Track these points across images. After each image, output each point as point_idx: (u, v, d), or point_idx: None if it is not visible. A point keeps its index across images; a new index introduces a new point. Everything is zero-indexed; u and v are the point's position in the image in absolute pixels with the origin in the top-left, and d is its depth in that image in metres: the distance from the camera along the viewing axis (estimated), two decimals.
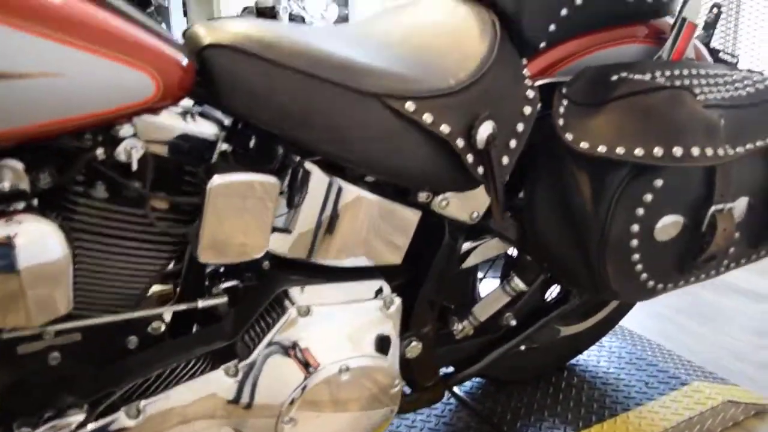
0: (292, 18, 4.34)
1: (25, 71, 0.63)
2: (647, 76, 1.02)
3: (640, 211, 0.92)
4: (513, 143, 0.92)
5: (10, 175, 0.70)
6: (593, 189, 0.94)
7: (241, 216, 0.82)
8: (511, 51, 0.96)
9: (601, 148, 0.91)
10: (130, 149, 0.77)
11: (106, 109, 0.70)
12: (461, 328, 1.11)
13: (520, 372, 1.40)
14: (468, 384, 1.45)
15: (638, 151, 0.90)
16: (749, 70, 1.18)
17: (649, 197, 0.92)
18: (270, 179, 0.83)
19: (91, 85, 0.67)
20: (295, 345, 0.90)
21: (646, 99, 0.93)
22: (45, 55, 0.64)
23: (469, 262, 1.11)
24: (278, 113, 0.81)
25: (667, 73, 1.04)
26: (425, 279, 1.02)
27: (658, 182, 0.92)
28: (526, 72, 0.97)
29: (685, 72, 1.06)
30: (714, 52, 1.30)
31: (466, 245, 1.10)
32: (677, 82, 1.02)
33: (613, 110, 0.94)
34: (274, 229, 0.91)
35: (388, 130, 0.84)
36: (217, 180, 0.80)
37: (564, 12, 0.98)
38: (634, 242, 0.93)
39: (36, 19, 0.63)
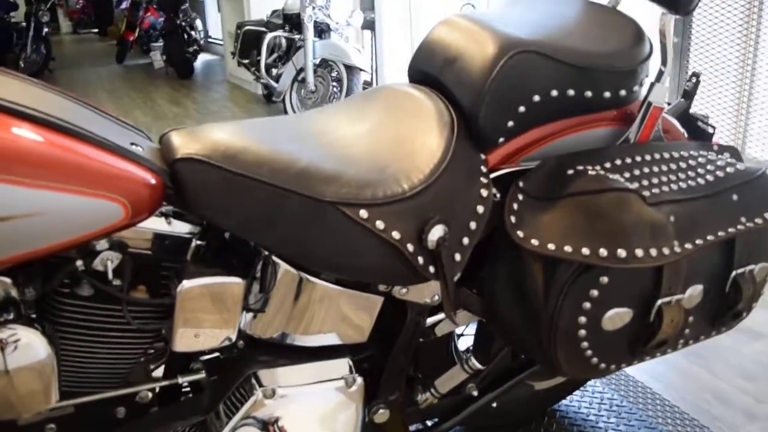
0: (318, 25, 4.42)
1: (6, 215, 0.73)
2: (608, 165, 1.06)
3: (587, 305, 0.98)
4: (466, 240, 0.99)
5: (0, 290, 0.81)
6: (544, 281, 1.00)
7: (210, 313, 0.92)
8: (469, 148, 1.02)
9: (551, 246, 0.97)
10: (106, 260, 0.87)
11: (80, 235, 0.79)
12: (424, 398, 1.18)
13: (501, 418, 1.47)
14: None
15: (585, 251, 0.95)
16: (719, 146, 1.21)
17: (595, 293, 0.97)
18: (235, 281, 0.92)
19: (66, 218, 0.77)
20: (261, 425, 0.99)
21: (595, 200, 0.98)
22: (24, 199, 0.73)
23: (439, 332, 1.19)
24: (241, 221, 0.90)
25: (628, 160, 1.08)
26: (390, 354, 1.10)
27: (604, 279, 0.97)
28: (483, 168, 1.02)
29: (648, 158, 1.10)
30: (692, 120, 1.33)
31: (435, 318, 1.17)
32: (636, 171, 1.07)
33: (564, 208, 0.99)
34: (249, 310, 1.00)
35: (344, 236, 0.92)
36: (186, 285, 0.89)
37: (522, 109, 1.03)
38: (582, 332, 0.99)
39: (14, 170, 0.73)
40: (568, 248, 0.96)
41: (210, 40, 9.30)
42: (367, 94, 1.15)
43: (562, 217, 0.98)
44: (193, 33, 7.66)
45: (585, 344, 1.00)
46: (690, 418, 1.61)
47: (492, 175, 1.06)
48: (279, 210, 0.90)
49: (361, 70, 4.60)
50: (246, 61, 5.25)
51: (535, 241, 0.98)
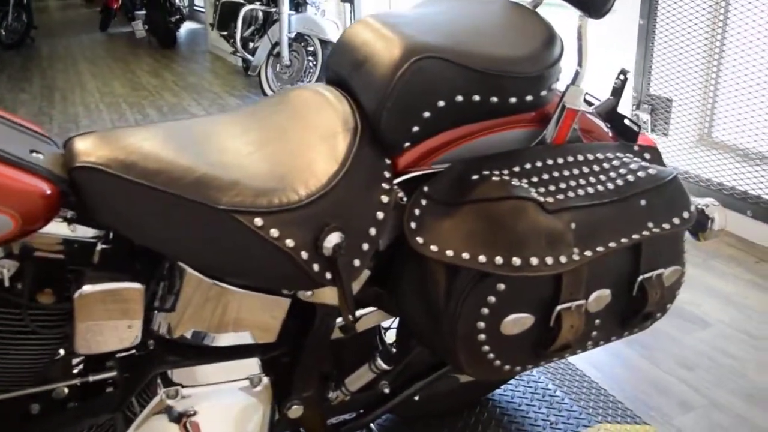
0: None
1: None
2: (516, 169, 1.06)
3: (485, 311, 0.98)
4: (365, 246, 0.99)
5: None
6: (445, 286, 1.01)
7: (110, 317, 0.92)
8: (371, 153, 1.01)
9: (449, 252, 0.97)
10: (2, 269, 0.87)
11: None
12: (335, 396, 1.19)
13: (429, 409, 1.49)
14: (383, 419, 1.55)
15: (482, 258, 0.95)
16: (640, 147, 1.21)
17: (492, 299, 0.98)
18: (135, 286, 0.92)
19: None
20: (164, 425, 1.00)
21: (494, 207, 0.98)
22: None
23: (361, 327, 1.20)
24: (140, 229, 0.90)
25: (538, 164, 1.08)
26: (301, 353, 1.11)
27: (501, 286, 0.98)
28: (386, 173, 1.02)
29: (560, 161, 1.10)
30: (619, 119, 1.32)
31: (358, 313, 1.18)
32: (545, 175, 1.06)
33: (464, 214, 0.99)
34: (158, 310, 1.01)
35: (240, 244, 0.92)
36: (84, 290, 0.89)
37: (427, 114, 1.02)
38: (482, 336, 1.00)
39: None
40: (465, 255, 0.96)
41: (195, 7, 9.16)
42: (279, 96, 1.14)
43: (461, 224, 0.98)
44: (176, 1, 7.54)
45: (486, 348, 1.01)
46: (624, 408, 1.63)
47: (401, 179, 1.06)
48: (176, 218, 0.90)
49: None
50: (224, 33, 5.19)
51: (434, 248, 0.98)
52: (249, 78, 5.56)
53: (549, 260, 0.96)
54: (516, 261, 0.94)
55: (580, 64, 1.12)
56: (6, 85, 5.78)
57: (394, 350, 1.21)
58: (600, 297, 1.06)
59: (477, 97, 1.03)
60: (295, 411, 1.15)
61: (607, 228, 1.03)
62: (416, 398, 1.34)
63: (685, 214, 1.10)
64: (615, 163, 1.12)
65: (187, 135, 1.03)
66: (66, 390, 1.01)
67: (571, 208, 1.01)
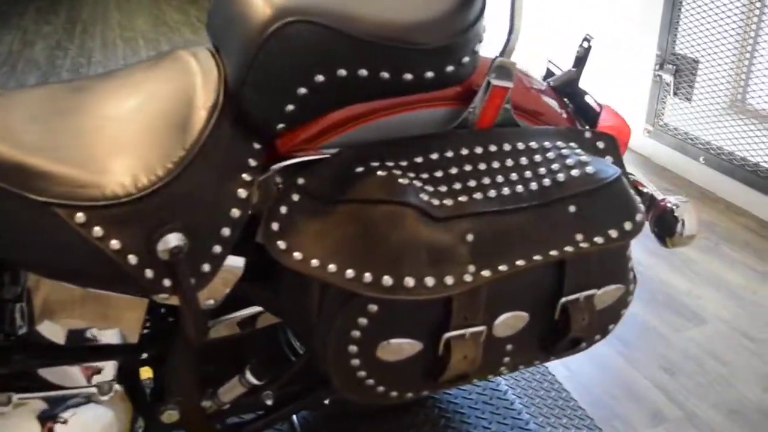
0: None
1: None
2: (419, 160, 0.88)
3: (357, 334, 0.82)
4: (218, 249, 0.82)
5: None
6: (318, 299, 0.85)
7: None
8: (232, 137, 0.83)
9: (314, 263, 0.80)
10: None
11: None
12: (209, 405, 1.06)
13: (349, 409, 1.36)
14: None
15: (349, 273, 0.78)
16: (593, 134, 1.00)
17: (364, 321, 0.81)
18: None
19: None
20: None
21: (368, 211, 0.80)
22: None
23: (261, 324, 1.05)
24: None
25: (449, 154, 0.89)
26: (168, 356, 0.97)
27: (373, 308, 0.81)
28: (251, 162, 0.84)
29: (478, 151, 0.90)
30: (579, 95, 1.11)
31: (252, 310, 1.03)
32: (453, 170, 0.88)
33: (338, 216, 0.81)
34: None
35: (61, 241, 0.77)
36: None
37: (303, 91, 0.83)
38: (356, 361, 0.84)
39: None
40: (332, 268, 0.79)
41: None
42: (155, 59, 0.96)
43: (333, 229, 0.81)
44: None
45: (362, 373, 0.85)
46: (583, 416, 1.46)
47: (279, 165, 0.89)
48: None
49: None
50: None
51: (298, 255, 0.81)
52: None
53: (429, 281, 0.78)
54: (387, 281, 0.77)
55: (511, 30, 0.91)
56: (33, 16, 5.71)
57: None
58: (511, 320, 0.89)
59: (364, 72, 0.83)
60: (170, 416, 1.02)
61: (518, 241, 0.83)
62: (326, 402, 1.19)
63: (627, 225, 0.89)
64: (550, 155, 0.92)
65: (38, 106, 0.87)
66: None
67: (471, 215, 0.82)
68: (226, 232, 0.82)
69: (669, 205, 1.05)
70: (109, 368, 0.95)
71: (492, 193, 0.85)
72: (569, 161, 0.91)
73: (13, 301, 0.89)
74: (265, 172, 0.88)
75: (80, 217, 0.76)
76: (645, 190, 1.08)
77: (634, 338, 1.75)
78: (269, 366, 1.03)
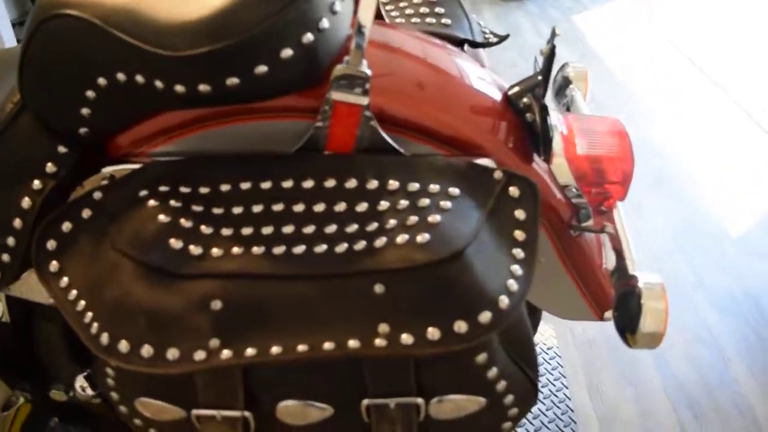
0: None
1: None
2: (225, 188, 0.70)
3: (112, 383, 0.74)
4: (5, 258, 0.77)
5: None
6: None
7: None
8: (28, 139, 0.76)
9: (71, 295, 0.67)
10: None
11: None
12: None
13: None
14: None
15: (87, 317, 0.67)
16: (507, 175, 0.72)
17: (111, 382, 0.73)
18: None
19: None
20: None
21: (107, 252, 0.68)
22: None
23: None
24: None
25: (266, 184, 0.71)
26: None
27: (109, 370, 0.72)
28: (49, 167, 0.76)
29: (306, 185, 0.71)
30: (543, 111, 0.80)
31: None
32: (256, 207, 0.69)
33: (105, 247, 0.71)
34: None
35: None
36: None
37: (91, 94, 0.70)
38: (123, 408, 0.76)
39: None
40: (81, 305, 0.67)
41: None
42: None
43: (96, 260, 0.71)
44: None
45: (137, 421, 0.77)
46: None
47: (111, 169, 0.76)
48: None
49: None
50: None
51: (64, 281, 0.71)
52: None
53: (146, 351, 0.63)
54: (103, 339, 0.64)
55: (359, 27, 0.68)
56: None
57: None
58: (299, 409, 0.70)
59: (140, 79, 0.69)
60: (57, 395, 1.00)
61: (287, 320, 0.63)
62: None
63: (459, 326, 0.62)
64: (402, 204, 0.68)
65: None
66: None
67: (222, 277, 0.65)
68: (11, 242, 0.76)
69: (638, 286, 0.73)
70: None
71: (278, 249, 0.66)
72: (411, 220, 0.67)
73: None
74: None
75: None
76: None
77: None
78: None
